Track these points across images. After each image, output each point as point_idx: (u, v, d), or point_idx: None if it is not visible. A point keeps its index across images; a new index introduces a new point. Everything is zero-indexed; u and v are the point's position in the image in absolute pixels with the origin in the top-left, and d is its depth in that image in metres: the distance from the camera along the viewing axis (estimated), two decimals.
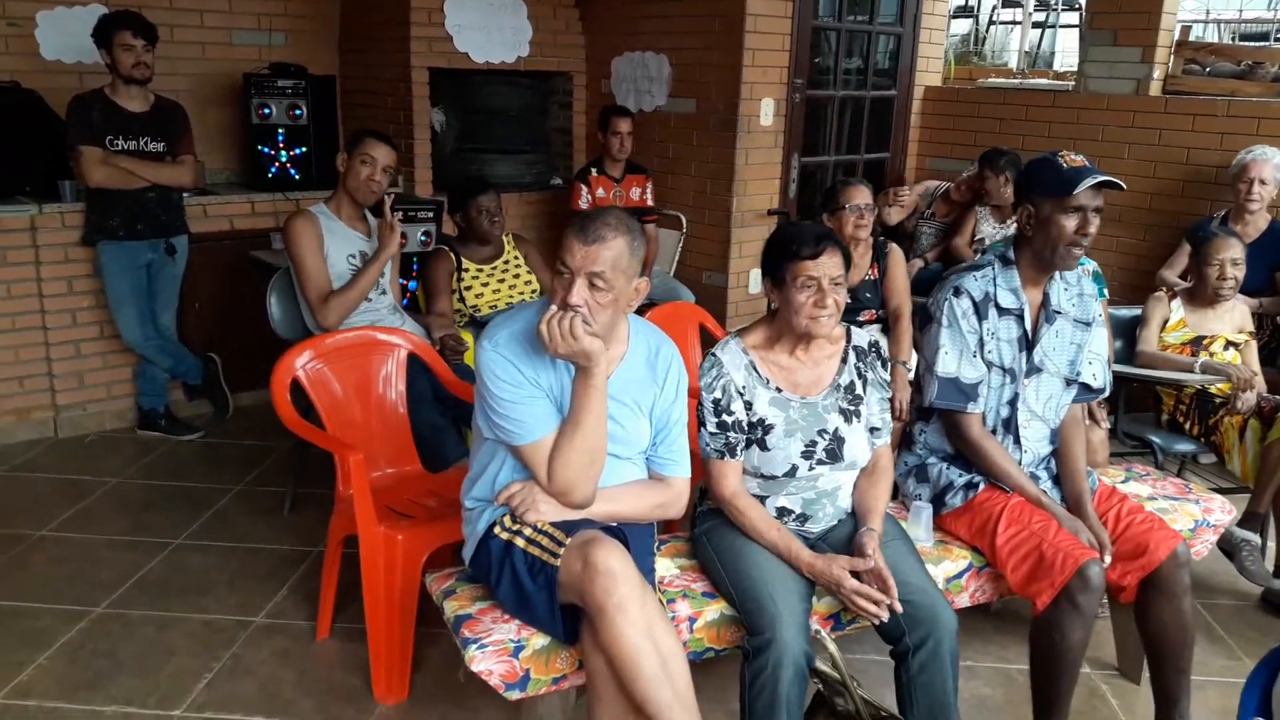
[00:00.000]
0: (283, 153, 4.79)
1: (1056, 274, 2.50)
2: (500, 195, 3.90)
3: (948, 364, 2.46)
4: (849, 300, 3.74)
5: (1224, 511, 2.74)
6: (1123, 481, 2.86)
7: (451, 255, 3.85)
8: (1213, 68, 4.82)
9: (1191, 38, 5.02)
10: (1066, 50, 6.65)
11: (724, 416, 2.25)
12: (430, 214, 4.64)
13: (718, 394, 2.25)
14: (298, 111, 4.76)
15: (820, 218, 3.76)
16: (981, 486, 2.48)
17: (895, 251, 3.81)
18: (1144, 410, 3.75)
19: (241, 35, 5.10)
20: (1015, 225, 2.49)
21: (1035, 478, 2.53)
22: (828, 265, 2.19)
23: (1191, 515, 2.69)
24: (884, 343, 2.45)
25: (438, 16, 4.96)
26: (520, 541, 2.04)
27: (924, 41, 5.62)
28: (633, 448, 2.17)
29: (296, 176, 4.82)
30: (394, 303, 3.61)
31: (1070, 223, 2.35)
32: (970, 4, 6.66)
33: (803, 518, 2.30)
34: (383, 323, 3.46)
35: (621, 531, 2.06)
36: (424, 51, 4.97)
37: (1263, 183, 4.14)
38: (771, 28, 4.82)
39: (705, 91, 4.98)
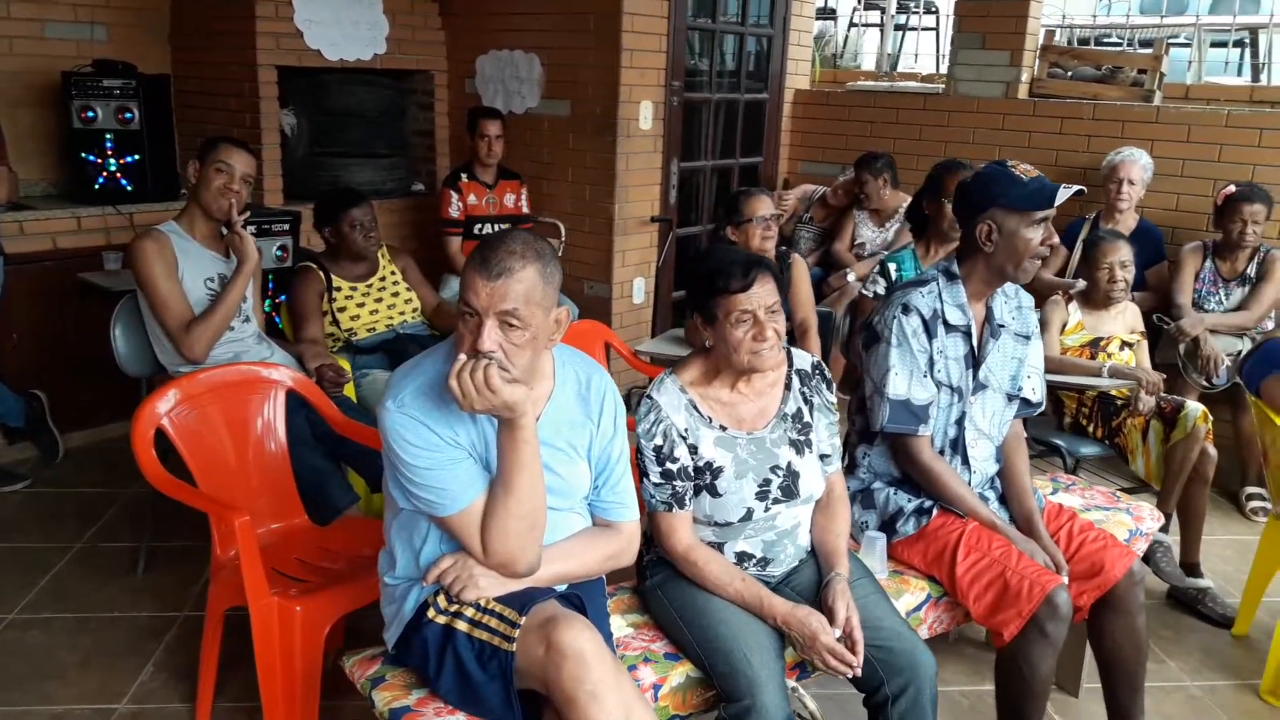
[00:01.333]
0: (111, 160, 4.25)
1: (999, 288, 2.41)
2: (373, 206, 3.54)
3: (898, 385, 2.32)
4: None
5: (1154, 519, 2.72)
6: (1051, 493, 2.81)
7: (320, 273, 3.48)
8: (1075, 71, 4.95)
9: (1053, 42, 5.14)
10: (920, 53, 6.77)
11: (668, 464, 2.03)
12: (285, 226, 4.22)
13: (658, 440, 2.03)
14: (129, 115, 4.23)
15: (724, 231, 3.60)
16: (935, 512, 2.36)
17: (798, 262, 3.69)
18: (1042, 414, 3.77)
19: (56, 28, 4.51)
20: (951, 239, 2.38)
21: (984, 498, 2.43)
22: (761, 295, 2.00)
23: (1125, 525, 2.66)
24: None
25: (285, 10, 4.53)
26: (462, 625, 1.76)
27: (793, 44, 5.56)
28: (573, 496, 1.92)
29: (129, 188, 4.29)
30: (259, 330, 3.21)
31: (1036, 235, 2.26)
32: (830, 6, 6.67)
33: (764, 561, 2.11)
34: (248, 354, 3.08)
35: (577, 597, 1.81)
36: (271, 48, 4.53)
37: (1131, 183, 4.25)
38: (648, 27, 4.63)
39: (581, 93, 4.74)
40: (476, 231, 4.70)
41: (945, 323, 2.35)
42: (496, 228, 4.74)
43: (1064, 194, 2.22)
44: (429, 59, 5.21)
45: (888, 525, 2.42)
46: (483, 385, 1.64)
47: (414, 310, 3.64)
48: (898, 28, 6.34)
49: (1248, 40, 6.09)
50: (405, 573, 1.88)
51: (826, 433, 2.19)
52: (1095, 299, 3.53)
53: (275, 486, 2.66)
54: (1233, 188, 3.97)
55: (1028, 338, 2.49)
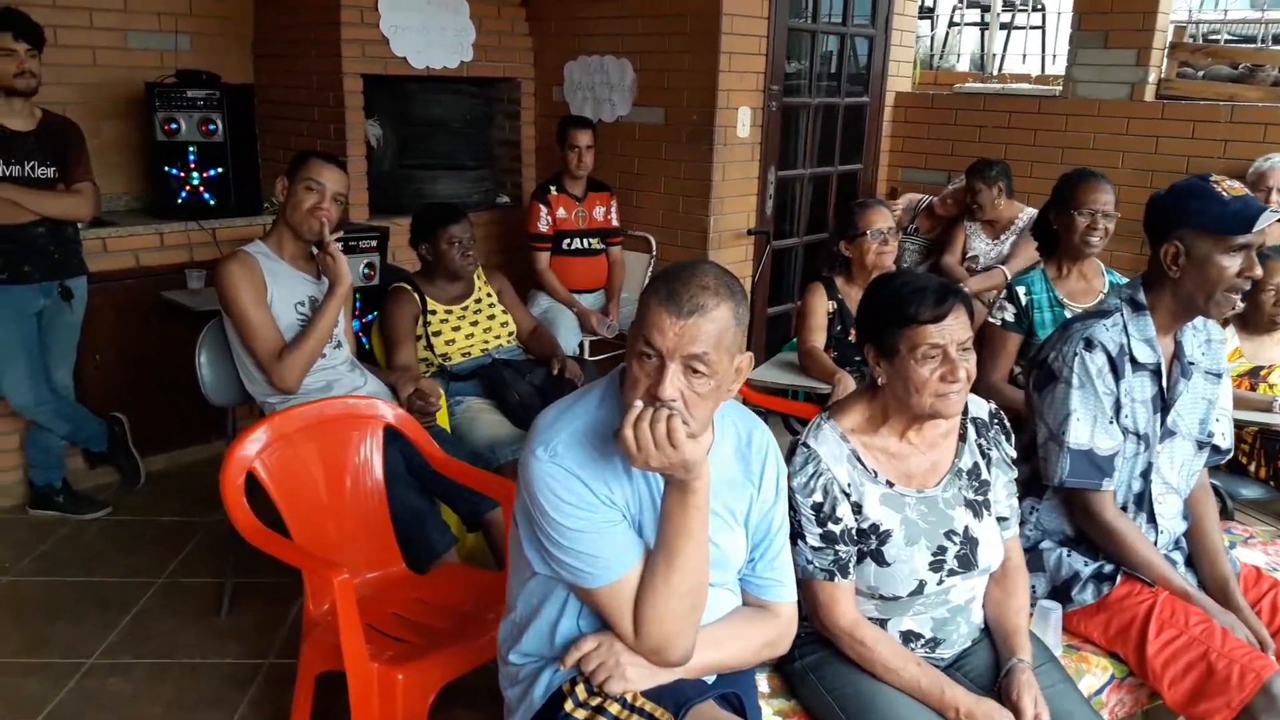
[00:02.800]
0: (194, 175, 4.12)
1: (1189, 321, 2.11)
2: (472, 223, 3.34)
3: (1080, 433, 2.03)
4: None
5: None
6: (1229, 548, 2.49)
7: (415, 295, 3.28)
8: (1208, 71, 4.58)
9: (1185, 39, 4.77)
10: (1025, 53, 6.41)
11: (829, 525, 1.77)
12: (373, 243, 4.02)
13: (818, 496, 1.77)
14: (212, 126, 4.10)
15: (838, 246, 3.33)
16: (1119, 579, 2.06)
17: None
18: None
19: (139, 38, 4.39)
20: (1154, 263, 2.07)
21: (1171, 561, 2.13)
22: (954, 328, 1.74)
23: None
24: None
25: (371, 16, 4.36)
26: None
27: (895, 44, 5.26)
28: (728, 570, 1.67)
29: (212, 202, 4.15)
30: (351, 356, 3.03)
31: (1233, 264, 1.95)
32: (928, 4, 6.34)
33: (933, 642, 1.84)
34: (341, 382, 2.89)
35: (736, 696, 1.56)
36: (356, 56, 4.36)
37: (1279, 191, 3.89)
38: (748, 29, 4.37)
39: (675, 99, 4.50)
40: (565, 247, 4.49)
41: (1132, 360, 2.06)
42: (586, 243, 4.53)
43: (1269, 218, 1.91)
44: (516, 66, 5.01)
45: (1060, 592, 2.12)
46: (664, 439, 1.41)
47: (510, 334, 3.42)
48: (1003, 26, 5.99)
49: None
50: (536, 650, 1.65)
51: (1004, 492, 1.92)
52: (1257, 323, 3.20)
53: (372, 532, 2.45)
54: None
55: (1219, 376, 2.19)
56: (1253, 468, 3.17)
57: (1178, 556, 2.17)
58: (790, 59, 4.75)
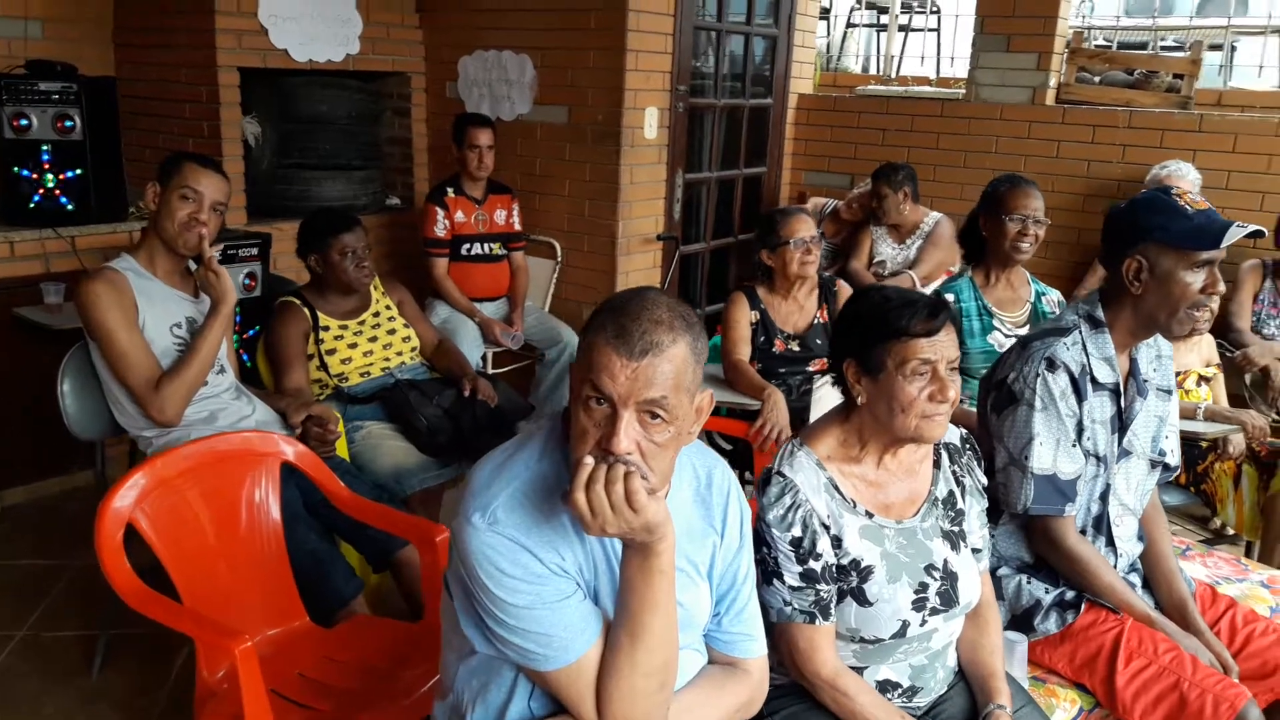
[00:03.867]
0: (49, 176, 3.70)
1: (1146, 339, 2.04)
2: (366, 230, 3.07)
3: (1043, 458, 1.93)
4: (796, 349, 3.24)
5: None
6: None
7: (305, 310, 3.00)
8: (1105, 76, 4.64)
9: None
10: (921, 56, 6.45)
11: (810, 563, 1.61)
12: (254, 251, 3.71)
13: (797, 531, 1.62)
14: (69, 123, 3.69)
15: (759, 256, 3.20)
16: (1082, 607, 1.98)
17: (845, 289, 3.30)
18: None
19: None
20: (1106, 277, 1.99)
21: (1130, 585, 2.06)
22: (946, 344, 1.61)
23: (1262, 599, 2.31)
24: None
25: (248, 4, 4.01)
26: None
27: (797, 45, 5.18)
28: (694, 629, 1.49)
29: (70, 207, 3.73)
30: (236, 382, 2.73)
31: (1197, 280, 1.88)
32: (825, 5, 6.30)
33: (911, 691, 1.71)
34: (226, 411, 2.60)
35: None
36: (232, 47, 4.01)
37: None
38: (654, 26, 4.21)
39: (580, 98, 4.30)
40: (465, 252, 4.24)
41: (1093, 379, 1.97)
42: (487, 248, 4.29)
43: (1236, 233, 1.85)
44: (406, 60, 4.73)
45: (1021, 621, 2.03)
46: (622, 502, 1.22)
47: (413, 351, 3.17)
48: (900, 28, 6.00)
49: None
50: None
51: (978, 522, 1.80)
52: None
53: (271, 582, 2.19)
54: None
55: (1170, 392, 2.13)
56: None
57: (1135, 579, 2.10)
58: (697, 59, 4.62)
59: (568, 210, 4.45)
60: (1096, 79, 4.65)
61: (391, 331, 3.13)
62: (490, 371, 4.22)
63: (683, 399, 1.29)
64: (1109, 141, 4.42)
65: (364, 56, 4.50)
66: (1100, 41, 5.46)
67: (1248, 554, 3.04)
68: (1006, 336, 3.01)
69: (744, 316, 3.18)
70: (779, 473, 1.65)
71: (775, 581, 1.62)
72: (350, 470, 2.67)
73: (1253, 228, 1.85)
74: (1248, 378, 3.65)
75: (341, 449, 2.82)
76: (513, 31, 4.44)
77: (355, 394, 3.00)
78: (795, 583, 1.61)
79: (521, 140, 4.51)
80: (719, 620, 1.52)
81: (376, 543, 2.52)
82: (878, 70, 6.75)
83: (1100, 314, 2.00)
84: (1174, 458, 2.16)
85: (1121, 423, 2.02)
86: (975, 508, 1.79)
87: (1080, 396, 1.95)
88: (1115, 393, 2.00)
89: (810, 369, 3.20)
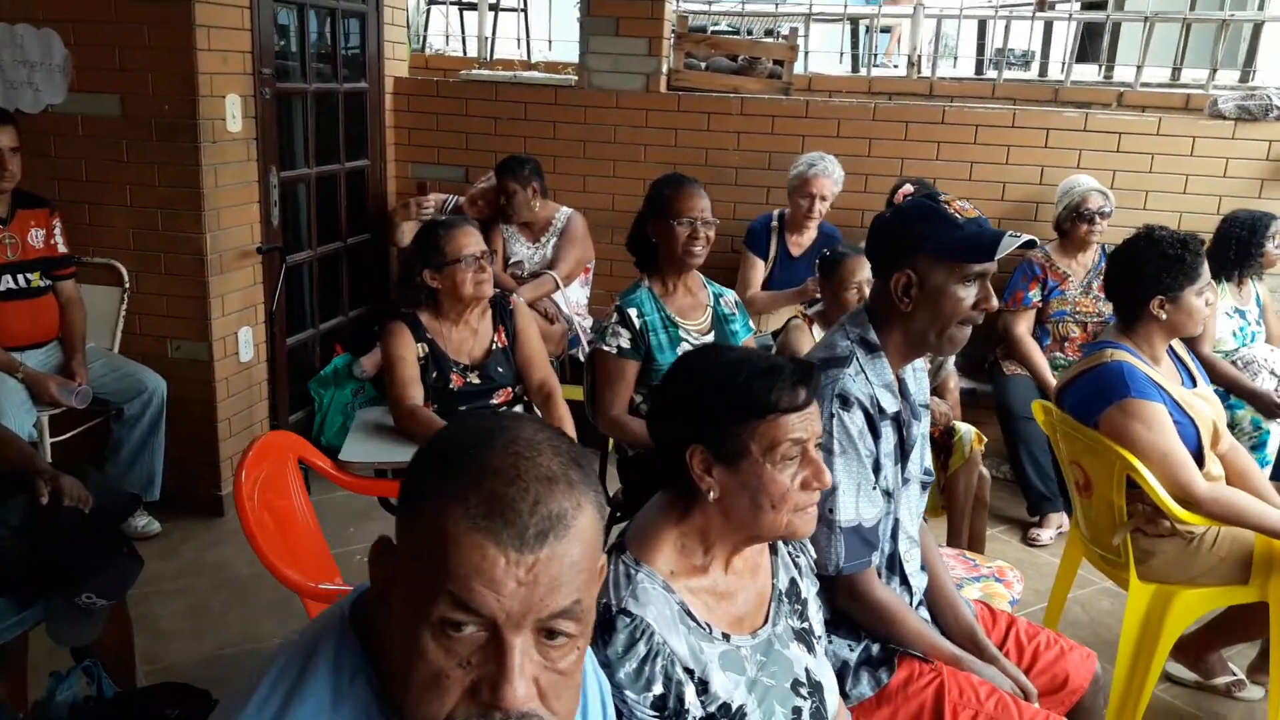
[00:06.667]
0: None
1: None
2: None
3: (848, 508, 1.69)
4: (476, 381, 2.77)
5: (1018, 579, 2.41)
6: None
7: None
8: (711, 62, 4.64)
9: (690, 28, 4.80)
10: (505, 36, 6.12)
11: None
12: None
13: (658, 688, 1.21)
14: None
15: (420, 277, 2.69)
16: (896, 662, 1.78)
17: (521, 308, 2.89)
18: None
19: None
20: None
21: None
22: (814, 417, 1.28)
23: (1000, 594, 2.31)
24: None
25: None
26: None
27: (388, 23, 4.60)
28: None
29: None
30: None
31: (969, 294, 1.73)
32: None
33: None
34: None
35: None
36: None
37: (823, 199, 4.00)
38: None
39: (136, 84, 3.41)
40: None
41: (880, 411, 1.77)
42: (22, 280, 3.29)
43: (1010, 244, 1.72)
44: None
45: None
46: None
47: None
48: (491, 7, 5.63)
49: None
50: None
51: (815, 606, 1.50)
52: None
53: None
54: (911, 186, 3.87)
55: (926, 407, 2.01)
56: None
57: (925, 614, 1.96)
58: (281, 38, 3.89)
59: (132, 224, 3.53)
60: (703, 65, 4.65)
61: None
62: (49, 441, 3.24)
63: (593, 590, 0.82)
64: (723, 129, 4.43)
65: None
66: (696, 25, 5.51)
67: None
68: (694, 347, 2.81)
69: (409, 351, 2.65)
70: (623, 611, 1.22)
71: None
72: None
73: (1026, 237, 1.75)
74: None
75: None
76: (27, 1, 3.41)
77: None
78: None
79: (57, 139, 3.49)
80: None
81: None
82: (463, 52, 6.33)
83: (873, 336, 1.81)
84: (930, 474, 2.05)
85: (904, 451, 1.85)
86: (812, 590, 1.50)
87: (876, 433, 1.73)
88: (897, 421, 1.82)
89: (495, 401, 2.75)
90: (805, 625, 1.43)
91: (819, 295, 3.86)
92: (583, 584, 0.80)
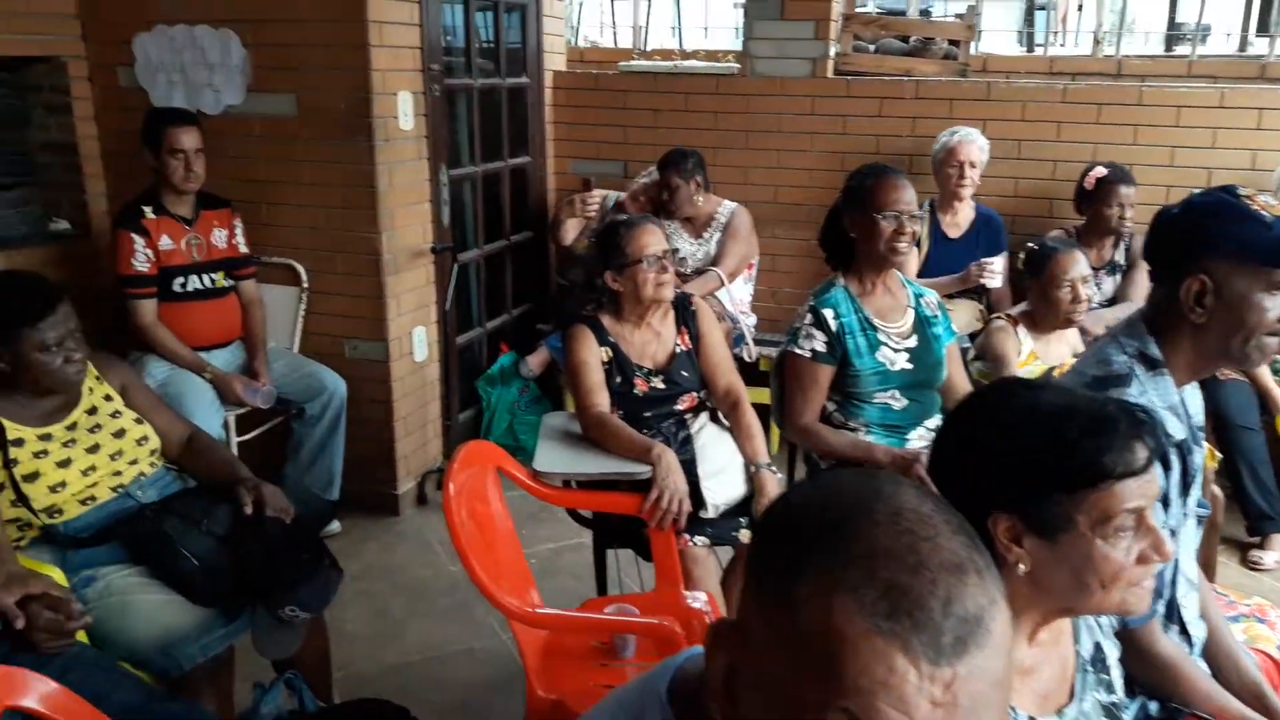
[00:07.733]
0: None
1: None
2: (71, 302, 2.08)
3: None
4: (661, 386, 2.65)
5: None
6: None
7: None
8: (881, 44, 4.41)
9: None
10: (656, 25, 6.00)
11: None
12: None
13: None
14: None
15: (600, 280, 2.59)
16: None
17: (704, 309, 2.75)
18: None
19: None
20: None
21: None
22: (1153, 482, 1.09)
23: (1264, 638, 2.04)
24: None
25: None
26: None
27: (547, 15, 4.53)
28: None
29: None
30: None
31: (1276, 305, 1.50)
32: None
33: None
34: None
35: None
36: None
37: (972, 165, 3.79)
38: None
39: (311, 83, 3.42)
40: (179, 289, 3.27)
41: (1166, 437, 1.56)
42: (208, 280, 3.33)
43: None
44: (57, 41, 3.56)
45: None
46: None
47: (153, 454, 2.22)
48: None
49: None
50: None
51: (1118, 670, 1.31)
52: (1050, 322, 2.96)
53: None
54: (1103, 170, 3.59)
55: (1202, 429, 1.77)
56: None
57: (1205, 666, 1.73)
58: (447, 33, 3.86)
59: (309, 223, 3.55)
60: (872, 48, 4.41)
61: (118, 433, 2.17)
62: (234, 441, 3.28)
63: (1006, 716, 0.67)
64: (896, 114, 4.19)
65: None
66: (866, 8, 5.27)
67: None
68: (896, 352, 2.62)
69: (593, 356, 2.55)
70: None
71: None
72: (105, 666, 1.76)
73: None
74: None
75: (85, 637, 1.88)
76: (206, 2, 3.45)
77: (77, 533, 2.04)
78: None
79: (235, 139, 3.53)
80: None
81: None
82: (614, 43, 6.23)
83: (1154, 350, 1.59)
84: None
85: (1186, 481, 1.63)
86: (1114, 654, 1.31)
87: (1167, 466, 1.52)
88: (1179, 448, 1.60)
89: (680, 408, 2.63)
90: (1114, 699, 1.25)
91: (982, 280, 3.64)
92: (1003, 708, 0.65)
